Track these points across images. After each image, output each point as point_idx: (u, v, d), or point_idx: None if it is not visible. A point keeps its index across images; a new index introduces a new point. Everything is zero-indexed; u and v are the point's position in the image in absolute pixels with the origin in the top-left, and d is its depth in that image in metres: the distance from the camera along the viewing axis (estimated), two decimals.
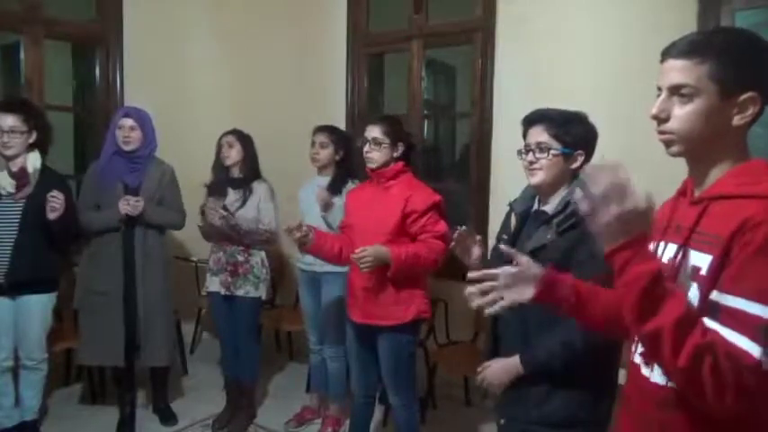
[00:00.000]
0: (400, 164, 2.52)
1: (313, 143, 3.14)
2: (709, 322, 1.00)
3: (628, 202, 1.00)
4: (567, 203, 1.65)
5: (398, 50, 3.99)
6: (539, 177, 1.72)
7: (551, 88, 2.95)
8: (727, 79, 1.06)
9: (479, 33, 3.48)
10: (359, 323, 2.54)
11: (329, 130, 3.15)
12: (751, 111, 1.07)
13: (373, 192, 2.55)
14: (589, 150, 1.74)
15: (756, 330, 0.96)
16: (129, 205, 2.87)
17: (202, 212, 3.14)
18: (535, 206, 1.80)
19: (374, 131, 2.50)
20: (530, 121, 1.76)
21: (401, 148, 2.52)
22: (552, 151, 1.69)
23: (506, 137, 3.32)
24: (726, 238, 1.01)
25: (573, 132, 1.70)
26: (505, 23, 3.38)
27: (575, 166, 1.72)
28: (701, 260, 1.06)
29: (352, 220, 2.58)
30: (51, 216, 2.67)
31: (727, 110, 1.07)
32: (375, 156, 2.49)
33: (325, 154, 3.11)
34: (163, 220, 3.06)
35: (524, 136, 1.77)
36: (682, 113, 1.09)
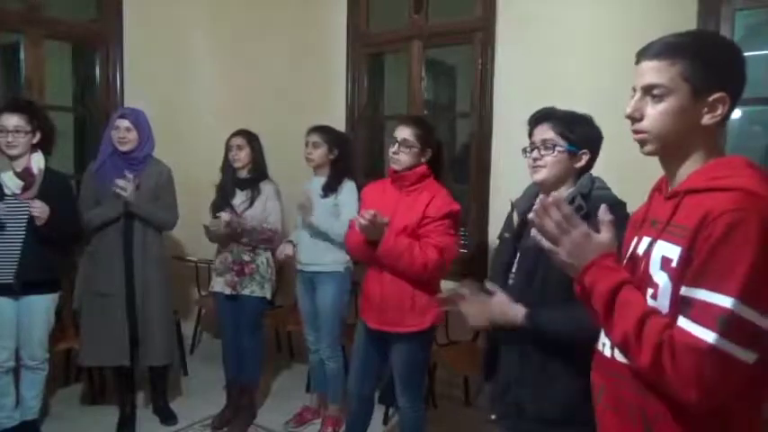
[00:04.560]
0: (423, 167, 2.43)
1: (306, 143, 3.14)
2: (680, 320, 1.04)
3: (574, 232, 1.14)
4: (572, 199, 1.66)
5: (398, 50, 3.99)
6: (542, 174, 1.72)
7: (551, 88, 2.95)
8: (699, 79, 1.09)
9: (479, 33, 3.48)
10: (373, 328, 2.50)
11: (322, 129, 3.15)
12: (720, 110, 1.11)
13: (395, 196, 2.44)
14: (594, 151, 1.75)
15: (716, 320, 0.98)
16: (121, 187, 2.85)
17: (214, 210, 3.16)
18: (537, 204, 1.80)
19: (404, 132, 2.40)
20: (536, 119, 1.77)
21: (429, 153, 2.44)
22: (558, 148, 1.70)
23: (506, 137, 3.33)
24: (692, 230, 1.04)
25: (578, 131, 1.71)
26: (505, 23, 3.38)
27: (579, 165, 1.73)
28: (670, 251, 1.08)
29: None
30: (38, 223, 2.70)
31: (698, 109, 1.11)
32: (403, 158, 2.40)
33: (319, 153, 3.11)
34: (154, 216, 3.03)
35: (530, 135, 1.78)
36: (654, 112, 1.13)
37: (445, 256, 2.34)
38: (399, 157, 2.41)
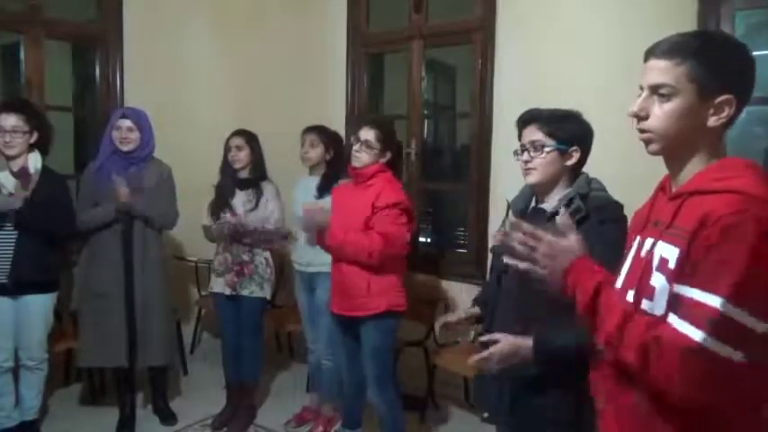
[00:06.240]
0: (380, 164, 2.58)
1: (303, 143, 3.18)
2: (670, 317, 1.05)
3: (541, 246, 1.18)
4: (570, 200, 1.65)
5: (398, 50, 3.99)
6: (534, 176, 1.72)
7: (551, 88, 2.94)
8: (705, 80, 1.09)
9: (479, 33, 3.48)
10: (337, 314, 2.65)
11: (319, 129, 3.19)
12: (726, 113, 1.10)
13: (353, 191, 2.62)
14: (584, 147, 1.74)
15: (705, 319, 0.99)
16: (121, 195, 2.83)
17: (212, 213, 3.15)
18: (532, 204, 1.80)
19: (368, 135, 2.55)
20: (523, 121, 1.77)
21: (389, 155, 2.60)
22: (546, 148, 1.69)
23: (506, 137, 3.29)
24: (691, 232, 1.05)
25: (566, 129, 1.70)
26: (505, 23, 3.38)
27: (570, 162, 1.72)
28: (668, 252, 1.09)
29: (333, 217, 2.65)
30: (16, 206, 2.67)
31: (704, 111, 1.10)
32: (363, 157, 2.55)
33: (316, 153, 3.15)
34: (153, 215, 3.00)
35: (519, 137, 1.78)
36: (660, 112, 1.12)
37: (389, 245, 2.48)
38: (360, 156, 2.56)
